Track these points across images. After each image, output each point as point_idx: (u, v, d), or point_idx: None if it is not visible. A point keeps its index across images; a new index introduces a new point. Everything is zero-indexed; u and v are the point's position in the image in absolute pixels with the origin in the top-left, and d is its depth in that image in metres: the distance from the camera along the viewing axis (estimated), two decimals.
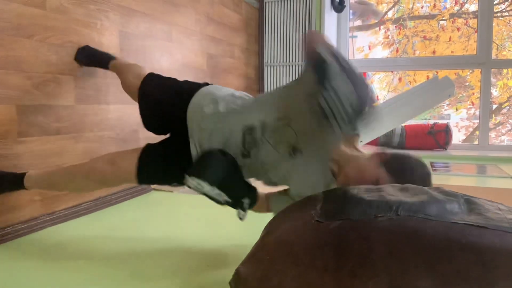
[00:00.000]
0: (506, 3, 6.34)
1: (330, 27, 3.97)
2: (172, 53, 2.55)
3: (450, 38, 6.78)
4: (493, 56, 3.92)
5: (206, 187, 1.18)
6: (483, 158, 3.56)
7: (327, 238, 0.86)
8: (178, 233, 1.68)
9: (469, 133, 8.04)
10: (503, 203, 0.95)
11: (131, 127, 2.18)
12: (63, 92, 1.79)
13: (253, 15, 3.81)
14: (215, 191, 1.21)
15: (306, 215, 0.96)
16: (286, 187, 1.39)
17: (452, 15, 6.68)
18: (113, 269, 1.32)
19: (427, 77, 5.08)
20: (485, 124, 3.93)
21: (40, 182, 1.55)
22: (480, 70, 3.93)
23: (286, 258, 0.89)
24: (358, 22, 6.67)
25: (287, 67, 3.86)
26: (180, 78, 1.57)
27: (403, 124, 4.01)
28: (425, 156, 3.65)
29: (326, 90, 1.08)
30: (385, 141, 4.10)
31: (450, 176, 2.87)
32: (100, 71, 1.97)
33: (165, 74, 1.60)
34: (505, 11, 6.80)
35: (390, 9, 7.19)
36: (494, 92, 7.14)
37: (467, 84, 7.57)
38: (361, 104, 1.10)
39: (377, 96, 5.10)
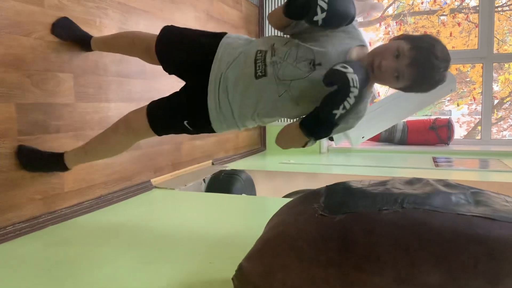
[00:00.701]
0: None
1: None
2: None
3: (451, 33, 6.76)
4: (494, 51, 3.89)
5: (355, 91, 1.19)
6: (485, 153, 3.54)
7: (331, 232, 0.85)
8: (180, 230, 1.66)
9: (470, 129, 8.02)
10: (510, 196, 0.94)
11: None
12: (63, 90, 1.78)
13: (253, 12, 3.80)
14: (352, 99, 1.21)
15: (309, 209, 0.94)
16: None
17: (452, 10, 6.66)
18: (114, 268, 1.31)
19: None
20: (487, 118, 3.91)
21: (77, 153, 1.68)
22: (481, 64, 3.91)
23: (289, 253, 0.87)
24: (359, 19, 6.65)
25: None
26: None
27: (404, 120, 3.99)
28: (427, 152, 3.64)
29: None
30: (387, 136, 4.09)
31: (453, 171, 2.86)
32: (101, 68, 1.96)
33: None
34: (506, 6, 6.77)
35: (390, 5, 7.17)
36: (496, 87, 7.12)
37: (468, 79, 7.55)
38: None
39: (378, 92, 5.08)
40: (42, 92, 1.68)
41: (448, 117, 4.07)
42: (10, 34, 1.54)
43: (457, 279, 0.73)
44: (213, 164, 3.06)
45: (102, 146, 1.67)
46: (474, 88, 7.24)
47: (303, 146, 1.38)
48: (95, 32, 1.92)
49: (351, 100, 1.18)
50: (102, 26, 1.97)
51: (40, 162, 1.64)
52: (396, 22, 7.00)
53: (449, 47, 6.71)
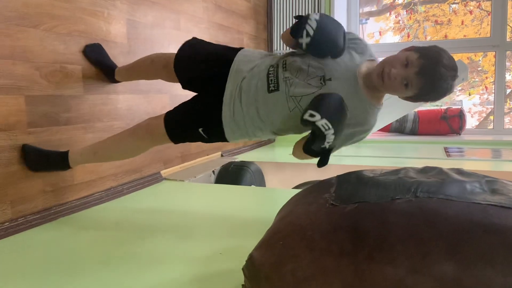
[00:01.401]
0: None
1: (340, 12, 3.90)
2: (180, 42, 2.50)
3: (462, 21, 6.65)
4: (507, 39, 3.82)
5: (330, 131, 1.23)
6: (498, 143, 3.49)
7: (342, 221, 0.84)
8: (190, 222, 1.66)
9: (482, 119, 7.91)
10: None
11: (140, 116, 2.17)
12: (72, 82, 1.78)
13: (261, 2, 3.76)
14: (331, 137, 1.25)
15: (320, 199, 0.93)
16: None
17: None
18: (126, 258, 1.31)
19: None
20: (500, 107, 3.85)
21: (84, 154, 1.67)
22: (494, 53, 3.84)
23: (300, 243, 0.86)
24: (370, 8, 6.58)
25: None
26: None
27: (416, 110, 3.94)
28: (438, 142, 3.60)
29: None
30: (397, 127, 4.05)
31: (465, 161, 2.82)
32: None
33: None
34: None
35: None
36: (508, 76, 7.00)
37: (479, 68, 7.44)
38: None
39: None
40: (51, 84, 1.68)
41: (459, 107, 4.02)
42: (18, 26, 1.53)
43: (472, 269, 0.71)
44: (222, 156, 3.06)
45: (117, 148, 1.66)
46: (486, 77, 7.14)
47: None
48: (102, 24, 1.92)
49: (331, 137, 1.24)
50: (110, 18, 1.96)
51: (44, 162, 1.62)
52: (406, 11, 6.90)
53: (460, 35, 6.61)
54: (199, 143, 1.61)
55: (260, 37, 3.77)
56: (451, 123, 3.86)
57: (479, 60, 7.15)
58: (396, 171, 0.95)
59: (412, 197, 0.82)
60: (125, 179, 2.10)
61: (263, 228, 1.06)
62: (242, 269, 0.94)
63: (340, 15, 3.89)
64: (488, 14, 4.45)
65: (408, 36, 6.83)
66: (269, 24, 3.86)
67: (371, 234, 0.79)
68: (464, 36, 6.67)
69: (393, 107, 3.58)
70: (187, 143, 2.59)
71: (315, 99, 1.31)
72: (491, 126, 4.03)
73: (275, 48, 3.87)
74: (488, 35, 3.82)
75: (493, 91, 3.90)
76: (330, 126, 1.22)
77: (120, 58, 2.04)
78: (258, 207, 1.95)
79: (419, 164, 2.71)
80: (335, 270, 0.79)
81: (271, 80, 1.43)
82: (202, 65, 1.59)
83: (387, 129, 4.08)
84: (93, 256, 1.33)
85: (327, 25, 1.33)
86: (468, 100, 7.90)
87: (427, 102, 1.40)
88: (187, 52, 1.63)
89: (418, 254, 0.74)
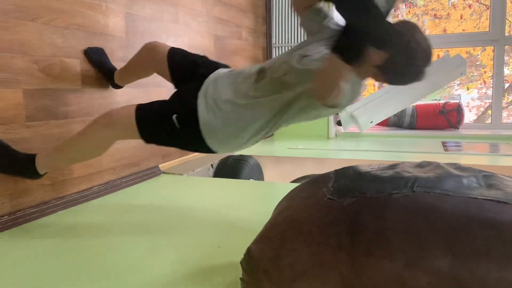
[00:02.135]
0: None
1: None
2: (179, 35, 2.52)
3: (461, 16, 6.64)
4: (506, 33, 3.82)
5: None
6: (496, 137, 3.50)
7: (340, 215, 0.84)
8: (188, 215, 1.67)
9: (480, 113, 7.93)
10: None
11: None
12: (70, 75, 1.77)
13: None
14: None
15: (318, 193, 0.94)
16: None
17: None
18: (124, 251, 1.31)
19: (438, 55, 4.99)
20: (498, 102, 3.86)
21: (50, 157, 1.52)
22: (492, 47, 3.84)
23: (298, 236, 0.87)
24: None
25: None
26: None
27: (414, 104, 3.95)
28: (436, 136, 3.61)
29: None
30: (396, 121, 4.05)
31: (463, 155, 2.83)
32: (108, 54, 1.94)
33: None
34: None
35: None
36: (507, 70, 7.01)
37: (478, 63, 7.43)
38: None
39: None
40: (49, 78, 1.68)
41: (457, 101, 4.02)
42: (16, 19, 1.53)
43: (468, 263, 0.72)
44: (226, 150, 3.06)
45: (79, 145, 1.52)
46: (485, 72, 7.14)
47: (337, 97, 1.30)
48: (100, 17, 1.91)
49: None
50: (108, 11, 1.96)
51: (11, 163, 1.49)
52: (405, 5, 6.88)
53: (459, 30, 6.60)
54: None
55: (259, 31, 3.76)
56: (449, 117, 3.87)
57: (478, 55, 7.15)
58: (393, 166, 0.96)
59: (409, 192, 0.82)
60: (123, 173, 2.10)
61: (261, 222, 1.07)
62: (240, 262, 0.95)
63: None
64: (487, 8, 4.45)
65: None
66: (268, 18, 3.85)
67: (369, 228, 0.80)
68: (463, 30, 6.66)
69: (391, 102, 3.59)
70: None
71: None
72: (489, 121, 4.04)
73: (274, 42, 3.86)
74: (487, 29, 3.82)
75: (492, 85, 3.90)
76: None
77: (119, 52, 2.03)
78: (256, 201, 1.95)
79: (417, 158, 2.71)
80: (332, 264, 0.80)
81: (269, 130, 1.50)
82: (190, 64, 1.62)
83: (385, 123, 4.09)
84: (92, 250, 1.33)
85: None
86: (467, 94, 7.91)
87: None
88: (176, 53, 1.66)
89: (414, 248, 0.75)
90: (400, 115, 3.99)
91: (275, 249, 0.88)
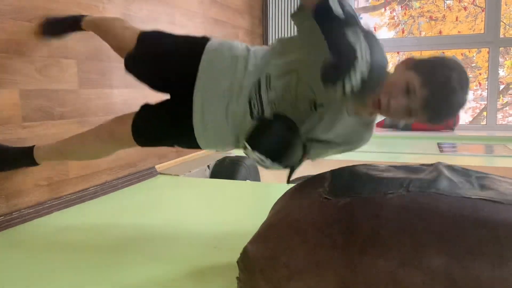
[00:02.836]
0: None
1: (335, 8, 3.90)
2: None
3: (456, 17, 6.67)
4: (501, 35, 3.84)
5: (267, 162, 1.11)
6: (491, 138, 3.52)
7: (336, 215, 0.85)
8: (185, 216, 1.67)
9: (475, 114, 7.96)
10: None
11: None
12: (66, 76, 1.77)
13: None
14: (272, 165, 1.13)
15: (314, 193, 0.94)
16: None
17: None
18: (121, 252, 1.32)
19: None
20: (493, 103, 3.88)
21: (50, 152, 1.56)
22: (487, 49, 3.87)
23: (294, 236, 0.87)
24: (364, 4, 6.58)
25: None
26: None
27: None
28: (432, 137, 3.62)
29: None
30: (391, 122, 4.07)
31: (458, 157, 2.85)
32: (104, 54, 1.95)
33: None
34: None
35: None
36: (501, 72, 7.04)
37: (473, 64, 7.47)
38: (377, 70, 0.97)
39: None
40: (46, 79, 1.68)
41: None
42: (13, 20, 1.53)
43: (462, 262, 0.73)
44: (217, 150, 3.06)
45: (81, 149, 1.54)
46: (480, 73, 7.17)
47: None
48: None
49: (271, 165, 1.12)
50: (105, 12, 1.96)
51: (6, 159, 1.51)
52: (401, 7, 6.91)
53: (454, 31, 6.64)
54: None
55: (255, 32, 3.77)
56: None
57: (473, 56, 7.18)
58: (389, 169, 0.97)
59: (404, 192, 0.83)
60: (120, 174, 2.10)
61: (258, 222, 1.07)
62: (237, 262, 0.95)
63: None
64: (482, 11, 4.48)
65: (403, 32, 6.85)
66: (265, 19, 3.86)
67: (364, 227, 0.81)
68: (459, 32, 6.69)
69: None
70: None
71: (253, 127, 1.14)
72: (484, 122, 4.06)
73: (271, 43, 3.87)
74: (482, 31, 3.84)
75: (487, 87, 3.93)
76: (264, 158, 1.10)
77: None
78: (253, 202, 1.96)
79: (413, 159, 2.72)
80: (328, 263, 0.81)
81: (254, 104, 1.24)
82: (157, 70, 1.38)
83: (381, 125, 4.10)
84: (88, 251, 1.33)
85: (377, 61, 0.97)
86: None
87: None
88: (140, 56, 1.40)
89: (409, 247, 0.76)
90: None
91: (271, 249, 0.89)
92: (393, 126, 4.08)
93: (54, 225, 1.56)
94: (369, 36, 0.97)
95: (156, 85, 1.44)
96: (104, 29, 1.58)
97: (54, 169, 1.73)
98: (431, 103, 1.03)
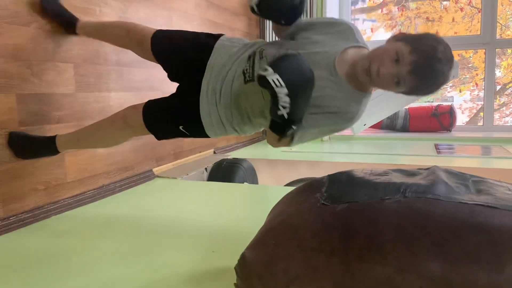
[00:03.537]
0: None
1: (332, 9, 3.91)
2: None
3: (453, 18, 6.68)
4: (497, 36, 3.86)
5: (282, 90, 1.10)
6: (487, 140, 3.53)
7: (333, 221, 0.85)
8: (182, 220, 1.67)
9: (472, 115, 7.98)
10: None
11: None
12: (63, 80, 1.77)
13: None
14: (283, 100, 1.12)
15: (312, 199, 0.94)
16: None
17: None
18: (119, 257, 1.31)
19: None
20: (490, 104, 3.90)
21: (70, 140, 1.65)
22: (484, 50, 3.88)
23: (291, 242, 0.87)
24: (362, 5, 6.59)
25: None
26: None
27: (406, 107, 3.97)
28: (429, 138, 3.64)
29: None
30: (389, 123, 4.07)
31: (455, 158, 2.86)
32: (101, 58, 1.95)
33: None
34: None
35: None
36: (498, 73, 7.06)
37: (470, 65, 7.49)
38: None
39: None
40: (43, 82, 1.67)
41: (450, 103, 4.05)
42: (9, 24, 1.53)
43: (459, 267, 0.73)
44: (214, 153, 3.06)
45: (98, 137, 1.64)
46: (477, 74, 7.18)
47: (288, 145, 1.34)
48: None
49: (284, 98, 1.11)
50: (102, 15, 1.96)
51: (32, 147, 1.60)
52: (398, 8, 6.92)
53: (451, 32, 6.65)
54: (192, 139, 1.60)
55: (252, 34, 3.77)
56: (442, 120, 3.89)
57: (470, 57, 7.20)
58: (386, 173, 0.97)
59: (401, 197, 0.83)
60: (117, 177, 2.10)
61: (256, 226, 1.07)
62: (235, 268, 0.95)
63: (332, 12, 3.90)
64: (479, 11, 4.49)
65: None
66: (261, 21, 3.86)
67: (361, 233, 0.81)
68: (455, 33, 6.71)
69: (384, 104, 3.60)
70: (180, 140, 2.59)
71: (275, 57, 1.18)
72: (481, 123, 4.07)
73: None
74: (479, 32, 3.85)
75: (484, 87, 3.94)
76: (282, 83, 1.09)
77: (112, 55, 2.03)
78: (250, 205, 1.96)
79: (410, 161, 2.72)
80: (325, 269, 0.81)
81: (246, 70, 1.36)
82: (178, 51, 1.51)
83: (378, 126, 4.11)
84: (85, 255, 1.33)
85: None
86: (459, 96, 7.96)
87: (420, 96, 1.30)
88: (164, 36, 1.55)
89: (406, 253, 0.76)
90: (393, 118, 4.01)
91: (269, 255, 0.89)
92: (390, 128, 4.09)
93: (51, 230, 1.56)
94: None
95: (175, 62, 1.54)
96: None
97: (51, 173, 1.72)
98: (417, 68, 1.13)
